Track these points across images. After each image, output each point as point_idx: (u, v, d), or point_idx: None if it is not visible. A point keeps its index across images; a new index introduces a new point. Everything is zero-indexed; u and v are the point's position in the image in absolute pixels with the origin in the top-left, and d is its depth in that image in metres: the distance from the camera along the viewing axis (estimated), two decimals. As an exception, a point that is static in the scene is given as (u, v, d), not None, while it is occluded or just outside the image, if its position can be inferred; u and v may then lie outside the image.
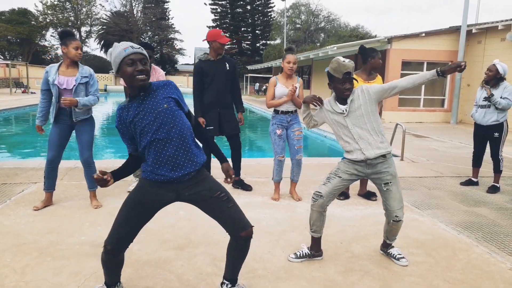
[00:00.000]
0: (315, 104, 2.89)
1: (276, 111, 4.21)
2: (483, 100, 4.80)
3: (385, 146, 2.71)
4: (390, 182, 2.71)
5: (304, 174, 4.75)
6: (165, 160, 2.04)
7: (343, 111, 2.74)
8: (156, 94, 2.07)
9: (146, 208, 2.12)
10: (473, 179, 5.14)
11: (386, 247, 2.98)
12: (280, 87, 4.12)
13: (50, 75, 3.68)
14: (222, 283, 2.33)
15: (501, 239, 3.37)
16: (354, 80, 2.71)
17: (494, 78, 4.70)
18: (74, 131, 3.87)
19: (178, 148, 2.04)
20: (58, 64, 3.75)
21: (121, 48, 1.99)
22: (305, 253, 2.89)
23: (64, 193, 4.35)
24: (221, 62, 4.44)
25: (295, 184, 4.41)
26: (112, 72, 42.08)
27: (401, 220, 2.77)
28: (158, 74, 4.47)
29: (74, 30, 49.02)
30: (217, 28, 4.79)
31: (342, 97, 2.74)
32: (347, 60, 2.64)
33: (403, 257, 2.87)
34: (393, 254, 2.91)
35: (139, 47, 2.03)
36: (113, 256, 2.12)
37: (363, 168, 2.74)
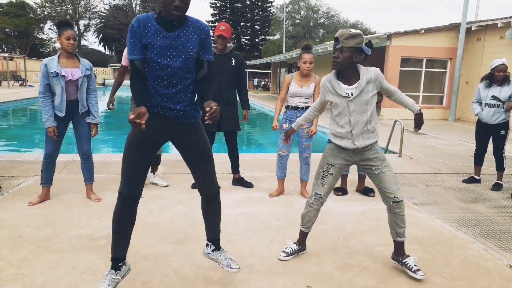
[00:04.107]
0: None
1: (286, 106, 4.17)
2: (491, 99, 4.76)
3: (374, 135, 2.64)
4: (381, 165, 2.63)
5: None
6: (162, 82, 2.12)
7: (348, 94, 2.53)
8: (188, 33, 2.11)
9: (148, 147, 2.17)
10: (475, 176, 5.14)
11: (400, 254, 2.69)
12: (294, 86, 4.04)
13: (51, 68, 3.55)
14: (207, 245, 2.48)
15: (498, 236, 3.38)
16: (345, 51, 2.45)
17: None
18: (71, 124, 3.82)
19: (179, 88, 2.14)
20: (56, 56, 3.67)
21: None
22: (295, 249, 2.87)
23: (62, 186, 4.33)
24: (227, 57, 4.31)
25: (305, 183, 4.30)
26: (111, 66, 41.92)
27: (401, 201, 2.58)
28: None
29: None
30: (221, 22, 4.68)
31: (340, 73, 2.57)
32: (352, 30, 2.49)
33: (419, 269, 2.59)
34: (409, 265, 2.61)
35: None
36: (131, 203, 2.14)
37: (351, 156, 2.68)
